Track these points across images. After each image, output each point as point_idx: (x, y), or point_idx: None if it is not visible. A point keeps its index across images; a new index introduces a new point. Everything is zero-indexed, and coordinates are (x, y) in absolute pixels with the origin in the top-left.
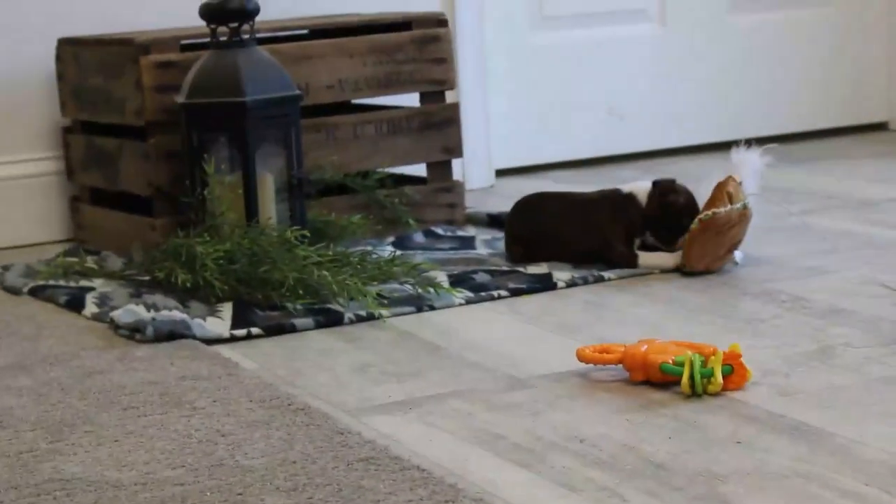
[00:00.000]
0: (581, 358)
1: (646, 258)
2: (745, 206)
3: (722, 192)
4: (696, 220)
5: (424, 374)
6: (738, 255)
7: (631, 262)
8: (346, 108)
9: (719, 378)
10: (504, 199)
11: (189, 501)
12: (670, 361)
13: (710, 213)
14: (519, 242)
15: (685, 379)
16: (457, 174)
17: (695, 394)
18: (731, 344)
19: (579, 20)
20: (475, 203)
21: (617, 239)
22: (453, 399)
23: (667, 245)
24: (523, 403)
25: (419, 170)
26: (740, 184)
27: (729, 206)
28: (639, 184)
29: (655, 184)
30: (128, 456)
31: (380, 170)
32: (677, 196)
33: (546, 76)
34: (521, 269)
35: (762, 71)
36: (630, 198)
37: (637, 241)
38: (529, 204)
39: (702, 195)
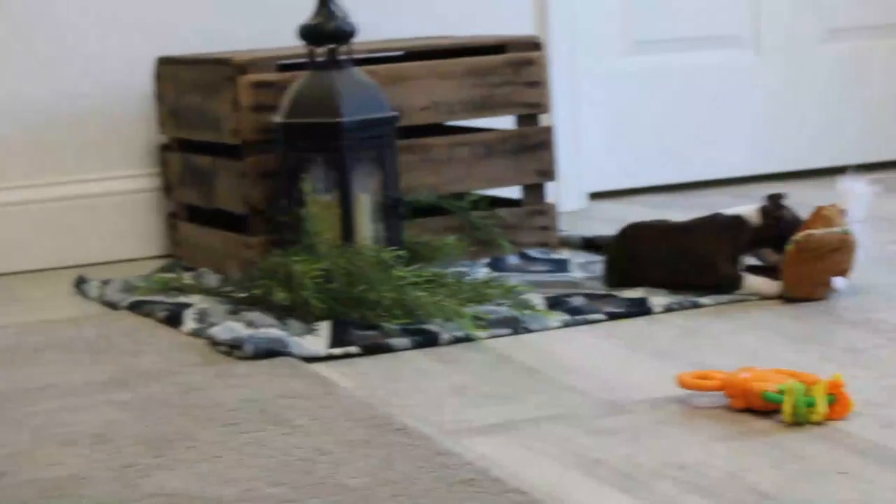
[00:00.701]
0: (681, 384)
1: (750, 281)
2: (845, 232)
3: (818, 215)
4: (791, 241)
5: (522, 397)
6: (840, 282)
7: (735, 283)
8: (440, 130)
9: (823, 407)
10: (596, 222)
11: None
12: (772, 389)
13: (804, 234)
14: (618, 267)
15: (787, 407)
16: (549, 197)
17: (797, 423)
18: (834, 374)
19: (672, 45)
20: (568, 226)
21: (722, 258)
22: (552, 423)
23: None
24: (622, 428)
25: (513, 192)
26: (843, 211)
27: (825, 230)
28: (741, 207)
29: (771, 196)
30: (229, 472)
31: (474, 192)
32: (787, 211)
33: (638, 101)
34: (616, 293)
35: (858, 98)
36: (737, 218)
37: (742, 264)
38: (633, 229)
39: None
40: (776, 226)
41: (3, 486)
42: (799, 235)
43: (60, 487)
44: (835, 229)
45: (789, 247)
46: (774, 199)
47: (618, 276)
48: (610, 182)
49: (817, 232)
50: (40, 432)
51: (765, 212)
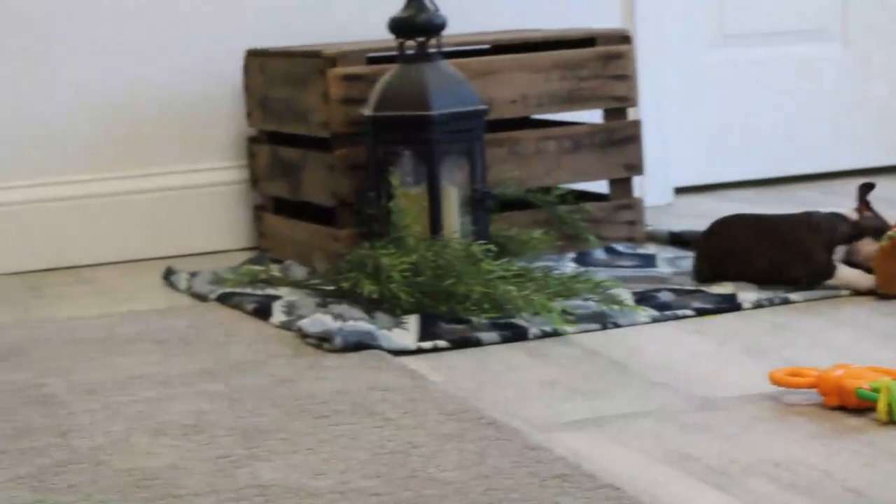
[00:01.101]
0: (774, 381)
1: (844, 273)
2: None
3: None
4: (886, 236)
5: (612, 392)
6: None
7: (828, 272)
8: (526, 123)
9: None
10: (682, 217)
11: None
12: (866, 387)
13: None
14: (708, 260)
15: (882, 405)
16: (636, 191)
17: (892, 421)
18: None
19: (760, 39)
20: (653, 221)
21: (816, 248)
22: (643, 418)
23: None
24: (715, 425)
25: (599, 186)
26: None
27: None
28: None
29: (862, 185)
30: (323, 464)
31: (561, 185)
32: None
33: (725, 94)
34: (704, 288)
35: None
36: (834, 213)
37: (835, 256)
38: (726, 221)
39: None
40: (872, 221)
41: (100, 476)
42: (894, 231)
43: (156, 477)
44: None
45: (883, 242)
46: (865, 189)
47: (708, 269)
48: (695, 176)
49: None
50: (134, 422)
51: (860, 196)
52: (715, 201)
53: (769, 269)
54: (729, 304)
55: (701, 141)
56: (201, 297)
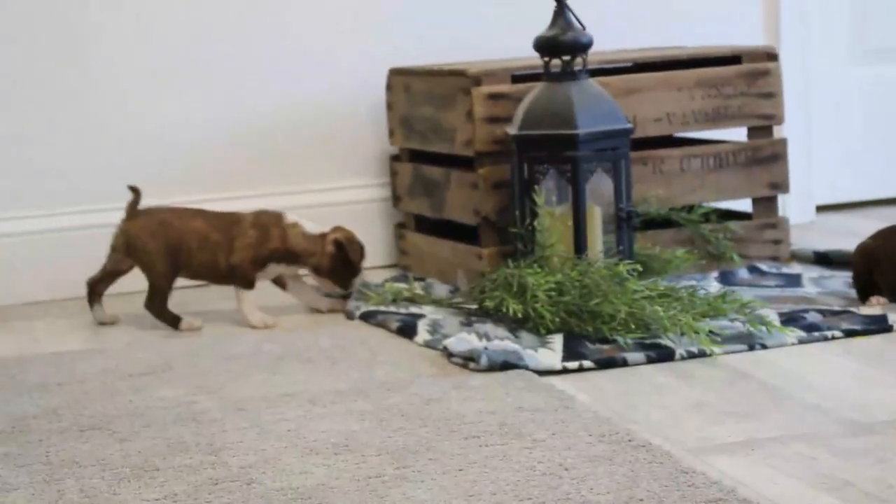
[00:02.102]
0: None
1: None
2: None
3: None
4: None
5: (763, 415)
6: None
7: None
8: (670, 141)
9: None
10: (825, 235)
11: None
12: None
13: None
14: (868, 264)
15: None
16: (778, 210)
17: None
18: None
19: None
20: (795, 239)
21: None
22: (796, 442)
23: None
24: (870, 449)
25: (743, 205)
26: None
27: None
28: None
29: None
30: (474, 486)
31: (705, 204)
32: None
33: (868, 110)
34: (853, 309)
35: None
36: None
37: None
38: (893, 229)
39: None
40: None
41: (252, 494)
42: None
43: (308, 496)
44: None
45: None
46: None
47: (866, 273)
48: (838, 195)
49: None
50: (285, 440)
51: None
52: (858, 219)
53: None
54: (879, 326)
55: (843, 158)
56: (347, 315)
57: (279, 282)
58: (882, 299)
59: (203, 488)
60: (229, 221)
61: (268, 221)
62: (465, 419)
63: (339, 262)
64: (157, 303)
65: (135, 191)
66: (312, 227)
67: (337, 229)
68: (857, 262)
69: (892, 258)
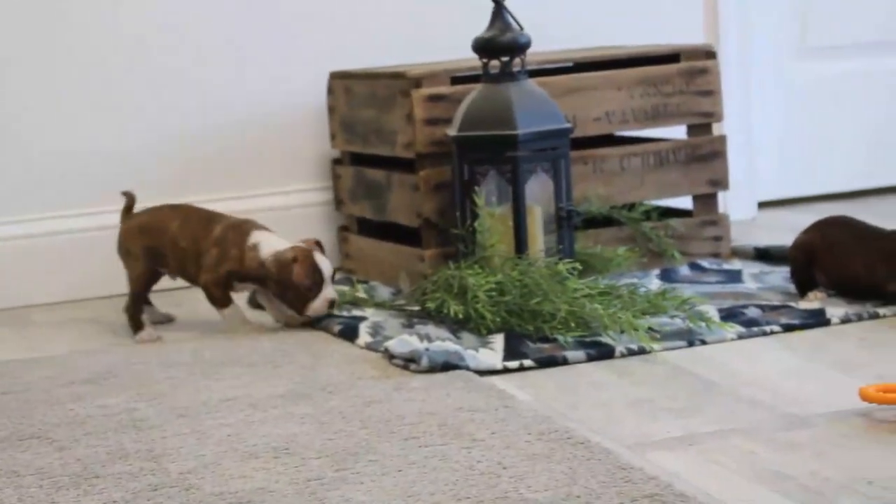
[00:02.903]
0: (864, 397)
1: None
2: None
3: None
4: None
5: (702, 410)
6: None
7: None
8: (610, 140)
9: None
10: (767, 231)
11: None
12: None
13: None
14: (806, 254)
15: None
16: (719, 206)
17: None
18: None
19: (843, 51)
20: (738, 236)
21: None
22: (734, 436)
23: None
24: (807, 443)
25: (683, 203)
26: None
27: None
28: None
29: None
30: (412, 486)
31: (645, 202)
32: None
33: (809, 108)
34: (792, 304)
35: None
36: None
37: None
38: (829, 222)
39: None
40: None
41: (191, 500)
42: None
43: (247, 501)
44: None
45: None
46: None
47: (805, 262)
48: (780, 191)
49: None
50: (225, 445)
51: None
52: (800, 214)
53: (864, 277)
54: (817, 320)
55: (785, 155)
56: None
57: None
58: (820, 294)
59: (142, 494)
60: (202, 231)
61: (232, 240)
62: (405, 420)
63: (279, 284)
64: (128, 304)
65: (127, 195)
66: (274, 247)
67: (292, 248)
68: (795, 257)
69: (829, 250)
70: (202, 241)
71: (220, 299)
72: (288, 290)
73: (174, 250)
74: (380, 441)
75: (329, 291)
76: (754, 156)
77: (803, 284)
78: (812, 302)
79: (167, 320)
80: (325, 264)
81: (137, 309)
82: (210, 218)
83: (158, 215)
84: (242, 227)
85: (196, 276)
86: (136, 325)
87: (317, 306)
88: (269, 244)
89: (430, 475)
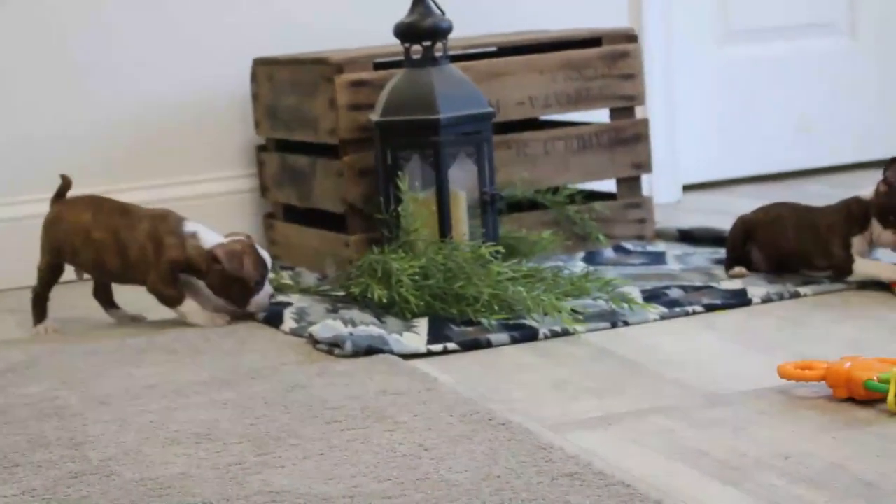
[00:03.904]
0: (783, 374)
1: (861, 265)
2: None
3: None
4: None
5: (623, 390)
6: None
7: (846, 268)
8: (534, 124)
9: None
10: (692, 213)
11: None
12: (875, 378)
13: None
14: (742, 232)
15: (891, 396)
16: (645, 189)
17: None
18: None
19: (767, 34)
20: (663, 218)
21: (834, 244)
22: (654, 415)
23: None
24: (725, 420)
25: (608, 186)
26: None
27: None
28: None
29: (891, 161)
30: (334, 469)
31: (570, 185)
32: None
33: (733, 91)
34: (714, 285)
35: None
36: (856, 199)
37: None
38: (774, 205)
39: None
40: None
41: (112, 486)
42: None
43: (167, 486)
44: None
45: None
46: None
47: (743, 237)
48: (704, 173)
49: None
50: (146, 432)
51: (880, 182)
52: (724, 197)
53: (796, 251)
54: (739, 300)
55: (711, 137)
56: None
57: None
58: (744, 270)
59: (62, 482)
60: (122, 223)
61: (165, 230)
62: (327, 404)
63: (224, 277)
64: (32, 292)
65: (63, 179)
66: (213, 237)
67: (237, 241)
68: (735, 233)
69: (768, 226)
70: (125, 233)
71: (172, 297)
72: (234, 282)
73: (86, 242)
74: (302, 425)
75: (269, 286)
76: (678, 139)
77: (733, 258)
78: (734, 278)
79: (136, 321)
80: (268, 258)
81: (38, 295)
82: (125, 210)
83: (69, 206)
84: (170, 217)
85: (117, 271)
86: (37, 316)
87: (260, 300)
88: (208, 234)
89: (351, 458)
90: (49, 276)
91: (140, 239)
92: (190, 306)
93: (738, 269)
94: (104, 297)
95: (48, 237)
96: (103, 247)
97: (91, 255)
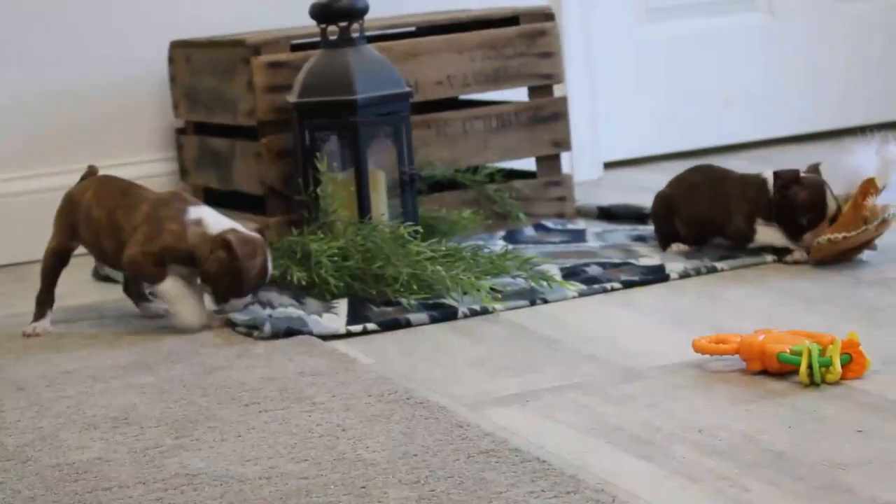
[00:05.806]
0: (697, 349)
1: (762, 234)
2: (884, 220)
3: (858, 213)
4: (826, 238)
5: (540, 367)
6: (865, 254)
7: (746, 237)
8: (454, 104)
9: (838, 367)
10: (613, 191)
11: (313, 495)
12: (787, 351)
13: (839, 236)
14: (665, 210)
15: (803, 368)
16: (565, 168)
17: (813, 383)
18: (849, 333)
19: (686, 11)
20: (584, 196)
21: (738, 214)
22: (570, 391)
23: (791, 239)
24: (640, 395)
25: (528, 164)
26: (883, 189)
27: (864, 228)
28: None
29: (777, 175)
30: (251, 451)
31: (489, 165)
32: (799, 190)
33: (653, 68)
34: (632, 261)
35: (872, 58)
36: (762, 181)
37: (762, 223)
38: (691, 168)
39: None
40: (783, 206)
41: (28, 472)
42: (833, 236)
43: (84, 471)
44: (871, 225)
45: (822, 241)
46: (781, 179)
47: (664, 206)
48: (625, 150)
49: (853, 233)
50: (63, 417)
51: (774, 189)
52: (645, 173)
53: (711, 218)
54: (656, 276)
55: (632, 114)
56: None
57: None
58: (683, 246)
59: None
60: (120, 202)
61: (167, 216)
62: (245, 386)
63: (223, 266)
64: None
65: (89, 168)
66: (222, 223)
67: (251, 231)
68: (657, 211)
69: (685, 196)
70: (121, 213)
71: (153, 274)
72: (230, 275)
73: (87, 220)
74: (220, 408)
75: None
76: (599, 117)
77: (665, 238)
78: (675, 255)
79: (161, 317)
80: (270, 268)
81: (44, 282)
82: (128, 190)
83: (80, 186)
84: (174, 201)
85: (111, 254)
86: (38, 310)
87: (238, 303)
88: (215, 218)
89: (268, 439)
90: (53, 260)
91: (136, 221)
92: (170, 285)
93: (675, 247)
94: (135, 292)
95: (60, 215)
96: (99, 226)
97: (91, 236)
